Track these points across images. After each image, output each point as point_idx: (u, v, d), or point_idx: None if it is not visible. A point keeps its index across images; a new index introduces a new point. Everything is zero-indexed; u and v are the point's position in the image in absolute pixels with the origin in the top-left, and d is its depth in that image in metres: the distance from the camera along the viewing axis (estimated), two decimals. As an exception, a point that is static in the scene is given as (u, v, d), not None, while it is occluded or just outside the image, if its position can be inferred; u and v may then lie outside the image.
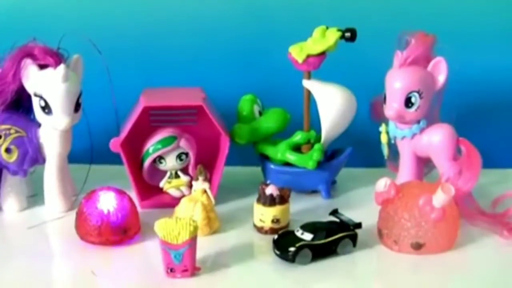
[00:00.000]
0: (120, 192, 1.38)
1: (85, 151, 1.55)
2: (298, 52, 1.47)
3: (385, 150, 1.53)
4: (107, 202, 1.36)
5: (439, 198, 1.31)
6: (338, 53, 1.50)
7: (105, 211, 1.35)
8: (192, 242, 1.25)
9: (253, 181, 1.57)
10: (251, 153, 1.58)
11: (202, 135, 1.54)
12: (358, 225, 1.34)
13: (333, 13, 1.67)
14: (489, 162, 1.63)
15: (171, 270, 1.26)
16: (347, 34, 1.45)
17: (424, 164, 1.52)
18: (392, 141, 1.52)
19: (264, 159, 1.56)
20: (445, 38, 1.47)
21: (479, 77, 1.69)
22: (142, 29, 1.72)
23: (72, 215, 1.45)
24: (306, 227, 1.33)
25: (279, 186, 1.43)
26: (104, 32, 1.65)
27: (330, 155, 1.56)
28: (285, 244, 1.31)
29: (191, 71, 1.72)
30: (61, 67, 1.39)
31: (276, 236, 1.34)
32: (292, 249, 1.29)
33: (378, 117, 1.56)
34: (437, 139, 1.46)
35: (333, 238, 1.32)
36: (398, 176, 1.52)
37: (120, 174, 1.54)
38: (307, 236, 1.31)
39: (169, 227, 1.24)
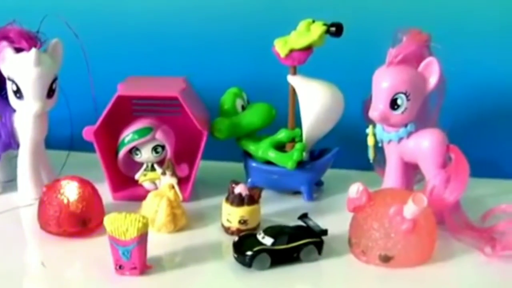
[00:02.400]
0: (84, 182, 1.34)
1: (67, 137, 1.52)
2: (281, 46, 1.39)
3: (371, 153, 1.43)
4: (68, 191, 1.32)
5: (410, 209, 1.21)
6: (330, 49, 1.41)
7: (65, 201, 1.31)
8: (141, 239, 1.20)
9: (236, 177, 1.52)
10: (236, 148, 1.51)
11: (184, 127, 1.49)
12: (324, 232, 1.26)
13: (328, 5, 1.57)
14: (497, 171, 1.54)
15: (120, 267, 1.21)
16: (332, 29, 1.37)
17: (415, 170, 1.43)
18: (380, 144, 1.43)
19: (246, 156, 1.49)
20: (446, 37, 1.37)
21: (484, 80, 1.57)
22: (130, 16, 1.67)
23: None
24: (268, 231, 1.26)
25: (251, 186, 1.37)
26: (90, 18, 1.62)
27: (318, 155, 1.48)
28: (244, 248, 1.24)
29: (182, 61, 1.66)
30: (33, 51, 1.36)
31: (236, 238, 1.27)
32: (249, 253, 1.22)
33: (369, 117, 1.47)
34: (425, 145, 1.36)
35: (295, 244, 1.24)
36: (384, 182, 1.43)
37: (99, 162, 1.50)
38: (268, 241, 1.24)
39: (117, 222, 1.19)
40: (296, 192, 1.48)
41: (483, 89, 1.59)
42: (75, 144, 1.53)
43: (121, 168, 1.47)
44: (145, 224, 1.20)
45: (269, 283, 1.21)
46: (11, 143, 1.44)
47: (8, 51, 1.39)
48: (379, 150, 1.44)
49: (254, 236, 1.26)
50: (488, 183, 1.52)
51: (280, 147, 1.47)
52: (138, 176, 1.47)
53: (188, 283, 1.22)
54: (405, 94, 1.34)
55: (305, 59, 1.40)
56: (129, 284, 1.20)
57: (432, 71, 1.35)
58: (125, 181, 1.48)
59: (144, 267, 1.22)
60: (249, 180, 1.48)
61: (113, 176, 1.46)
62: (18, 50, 1.39)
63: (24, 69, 1.37)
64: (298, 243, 1.24)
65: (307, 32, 1.38)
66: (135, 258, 1.20)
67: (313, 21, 1.39)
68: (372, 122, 1.46)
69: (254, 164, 1.47)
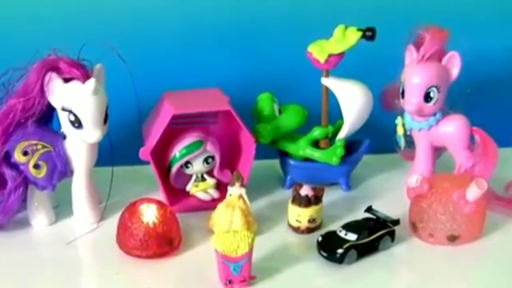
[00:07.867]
0: (161, 204, 1.39)
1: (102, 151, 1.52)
2: (319, 52, 1.49)
3: (402, 142, 1.59)
4: (151, 214, 1.36)
5: (473, 193, 1.38)
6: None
7: (151, 224, 1.36)
8: (250, 253, 1.28)
9: (270, 175, 1.64)
10: (263, 145, 1.58)
11: (221, 135, 1.56)
12: (397, 222, 1.40)
13: (336, 8, 1.71)
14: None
15: (230, 282, 1.29)
16: (369, 33, 1.49)
17: (437, 152, 1.60)
18: (408, 133, 1.58)
19: (282, 154, 1.59)
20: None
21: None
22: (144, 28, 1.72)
23: (103, 224, 1.47)
24: (348, 228, 1.38)
25: (292, 183, 1.51)
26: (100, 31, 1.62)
27: (347, 147, 1.60)
28: (330, 246, 1.36)
29: (194, 70, 1.74)
30: (92, 81, 1.37)
31: (320, 238, 1.38)
32: (340, 251, 1.34)
33: (388, 107, 1.61)
34: (452, 130, 1.53)
35: (375, 236, 1.37)
36: (415, 165, 1.58)
37: (140, 175, 1.59)
38: (352, 237, 1.36)
39: (228, 241, 1.27)
40: (331, 184, 1.60)
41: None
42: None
43: (172, 182, 1.53)
44: (253, 239, 1.28)
45: (356, 273, 1.34)
46: (67, 171, 1.45)
47: (58, 82, 1.39)
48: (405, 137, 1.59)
49: (335, 234, 1.38)
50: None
51: (314, 143, 1.58)
52: (190, 187, 1.53)
53: (289, 285, 1.32)
54: (436, 87, 1.49)
55: (339, 62, 1.52)
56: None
57: (454, 64, 1.51)
58: (174, 194, 1.53)
59: (250, 277, 1.30)
60: (288, 177, 1.59)
61: (168, 190, 1.51)
62: (66, 79, 1.40)
63: (82, 99, 1.38)
64: (378, 235, 1.38)
65: (343, 38, 1.49)
66: (245, 271, 1.28)
67: (346, 27, 1.50)
68: (389, 110, 1.61)
69: (292, 162, 1.58)
